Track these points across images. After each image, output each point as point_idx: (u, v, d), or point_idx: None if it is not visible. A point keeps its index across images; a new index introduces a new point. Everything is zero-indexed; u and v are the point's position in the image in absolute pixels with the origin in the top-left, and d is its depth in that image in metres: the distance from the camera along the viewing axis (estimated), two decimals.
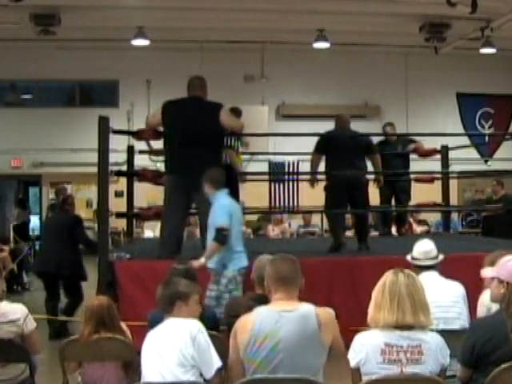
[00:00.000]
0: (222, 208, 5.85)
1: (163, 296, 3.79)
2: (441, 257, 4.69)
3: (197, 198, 6.61)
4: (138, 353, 3.75)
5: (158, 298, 3.86)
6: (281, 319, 3.32)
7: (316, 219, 13.49)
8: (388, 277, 3.35)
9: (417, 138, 10.14)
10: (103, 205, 6.99)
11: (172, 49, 14.74)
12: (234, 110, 8.03)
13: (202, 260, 5.76)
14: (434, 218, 13.07)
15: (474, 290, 4.60)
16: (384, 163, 9.84)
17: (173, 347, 3.48)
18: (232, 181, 7.91)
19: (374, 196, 9.94)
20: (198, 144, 6.52)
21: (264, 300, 3.77)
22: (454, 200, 11.90)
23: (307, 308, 3.38)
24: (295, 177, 9.12)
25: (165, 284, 3.88)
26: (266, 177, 9.19)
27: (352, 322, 4.03)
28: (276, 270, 3.50)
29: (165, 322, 3.68)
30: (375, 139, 10.18)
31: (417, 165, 10.39)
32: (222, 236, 5.74)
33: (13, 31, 12.72)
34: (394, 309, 3.25)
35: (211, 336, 3.67)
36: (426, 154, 9.88)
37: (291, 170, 9.95)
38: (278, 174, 9.48)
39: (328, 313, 3.45)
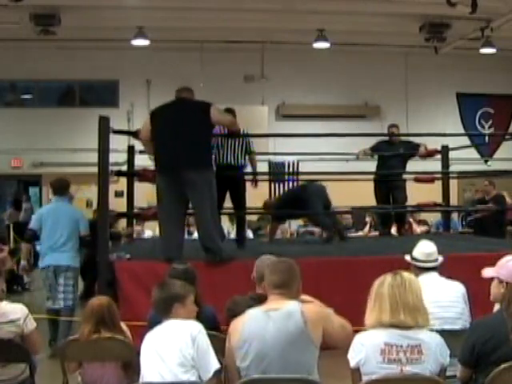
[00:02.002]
0: (36, 213, 7.35)
1: (159, 299, 3.75)
2: (440, 259, 4.69)
3: (190, 196, 6.59)
4: (138, 353, 3.74)
5: (153, 301, 3.81)
6: (268, 319, 3.37)
7: None
8: (382, 279, 3.39)
9: (417, 139, 10.14)
10: (103, 205, 6.98)
11: (172, 49, 14.74)
12: (227, 110, 8.04)
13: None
14: (433, 218, 13.07)
15: (474, 289, 4.60)
16: (382, 162, 9.88)
17: (173, 347, 3.48)
18: (235, 182, 7.96)
19: (371, 196, 9.98)
20: (186, 143, 6.44)
21: (265, 299, 3.76)
22: (454, 200, 11.90)
23: (292, 305, 3.41)
24: (295, 177, 9.12)
25: (159, 287, 3.83)
26: (266, 177, 9.18)
27: (352, 321, 4.02)
28: (272, 274, 3.57)
29: (164, 323, 3.67)
30: (375, 138, 10.21)
31: (417, 165, 10.38)
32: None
33: (13, 31, 12.73)
34: (376, 309, 3.30)
35: (211, 336, 3.67)
36: (427, 154, 9.89)
37: (291, 169, 9.99)
38: (278, 174, 9.49)
39: (315, 309, 3.48)
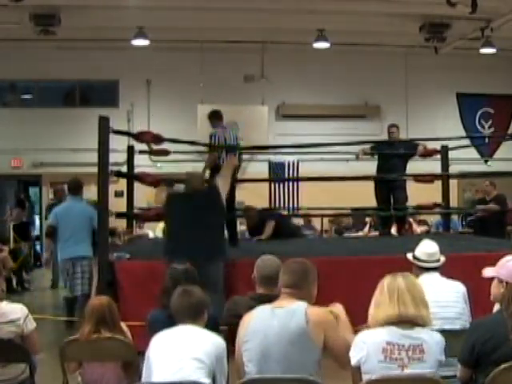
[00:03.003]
0: (53, 211, 8.13)
1: (190, 305, 3.64)
2: (442, 259, 4.68)
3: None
4: (139, 353, 3.73)
5: (179, 307, 3.68)
6: (273, 316, 3.41)
7: (316, 219, 13.51)
8: (386, 279, 3.40)
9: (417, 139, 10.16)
10: (103, 205, 6.98)
11: (172, 49, 14.73)
12: (214, 112, 8.11)
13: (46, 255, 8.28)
14: (434, 218, 13.08)
15: (474, 289, 4.60)
16: (382, 162, 9.88)
17: (193, 347, 3.40)
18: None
19: (371, 196, 9.99)
20: (201, 236, 6.28)
21: (265, 299, 3.77)
22: (453, 200, 11.90)
23: (298, 305, 3.43)
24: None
25: (183, 294, 3.73)
26: (266, 177, 9.19)
27: (353, 321, 4.03)
28: (283, 273, 3.63)
29: (184, 327, 3.58)
30: (375, 138, 10.23)
31: (417, 165, 10.39)
32: (47, 231, 8.02)
33: (13, 31, 12.72)
34: (395, 302, 3.28)
35: None
36: (427, 154, 9.88)
37: (291, 170, 9.99)
38: (278, 174, 9.52)
39: (320, 312, 3.46)
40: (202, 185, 6.84)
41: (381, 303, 3.32)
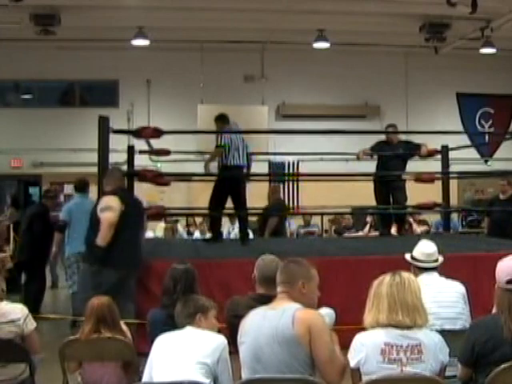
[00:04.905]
0: (65, 206, 8.47)
1: (186, 308, 3.77)
2: (441, 259, 4.67)
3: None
4: (139, 353, 3.73)
5: (176, 312, 3.83)
6: (265, 317, 3.39)
7: (316, 219, 13.51)
8: (381, 279, 3.38)
9: (417, 137, 10.14)
10: None
11: (172, 49, 14.74)
12: (222, 116, 8.16)
13: (53, 248, 8.24)
14: (433, 218, 13.08)
15: (474, 289, 4.60)
16: (382, 163, 9.87)
17: (194, 349, 3.44)
18: (239, 183, 8.06)
19: (371, 196, 9.99)
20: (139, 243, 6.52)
21: (265, 300, 3.76)
22: (454, 200, 11.90)
23: (290, 306, 3.38)
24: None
25: (184, 301, 3.87)
26: (266, 177, 9.18)
27: (352, 321, 4.03)
28: (278, 272, 3.60)
29: (184, 329, 3.65)
30: (375, 138, 10.22)
31: (417, 165, 10.38)
32: (58, 226, 8.14)
33: (13, 31, 12.72)
34: (381, 309, 3.28)
35: None
36: (427, 154, 9.87)
37: (291, 170, 9.99)
38: (278, 174, 9.52)
39: (311, 313, 3.39)
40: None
41: (369, 309, 3.34)
